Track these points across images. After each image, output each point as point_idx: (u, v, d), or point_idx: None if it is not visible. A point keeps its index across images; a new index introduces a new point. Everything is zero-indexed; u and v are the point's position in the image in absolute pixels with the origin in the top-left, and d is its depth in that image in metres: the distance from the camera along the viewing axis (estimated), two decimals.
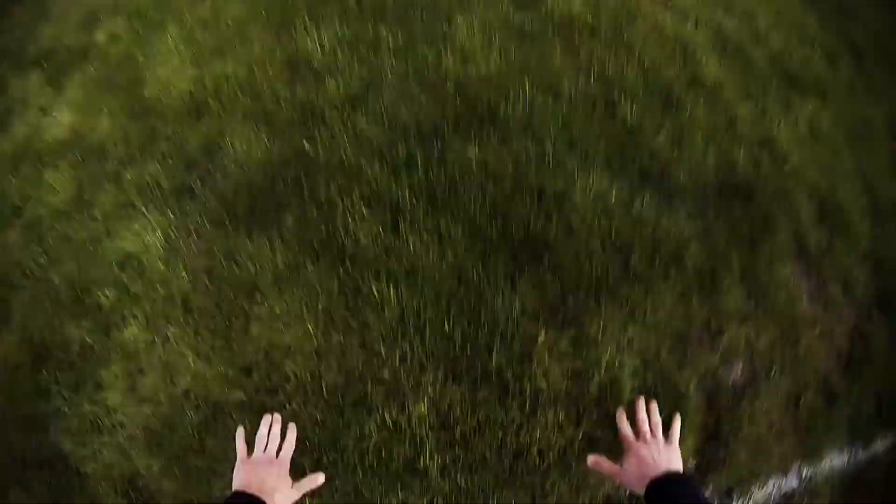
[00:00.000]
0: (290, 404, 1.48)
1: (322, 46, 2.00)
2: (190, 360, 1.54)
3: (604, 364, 1.51)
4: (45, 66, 2.52)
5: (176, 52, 2.18)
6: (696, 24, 2.29)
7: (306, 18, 2.13)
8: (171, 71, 2.12)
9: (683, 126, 1.89)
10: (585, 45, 2.04)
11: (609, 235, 1.62)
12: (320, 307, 1.54)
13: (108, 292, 1.68)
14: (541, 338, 1.49)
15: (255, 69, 2.00)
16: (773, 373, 1.69)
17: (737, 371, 1.66)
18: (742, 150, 1.93)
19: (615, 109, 1.87)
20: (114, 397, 1.57)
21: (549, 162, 1.71)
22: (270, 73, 1.97)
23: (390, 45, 1.97)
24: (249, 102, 1.92)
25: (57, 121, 2.22)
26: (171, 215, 1.74)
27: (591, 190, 1.67)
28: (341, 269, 1.57)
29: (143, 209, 1.78)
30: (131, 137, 2.01)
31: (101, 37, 2.53)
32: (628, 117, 1.86)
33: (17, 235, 1.95)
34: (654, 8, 2.31)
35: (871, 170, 2.26)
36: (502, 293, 1.52)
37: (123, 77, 2.23)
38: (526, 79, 1.88)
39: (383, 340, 1.50)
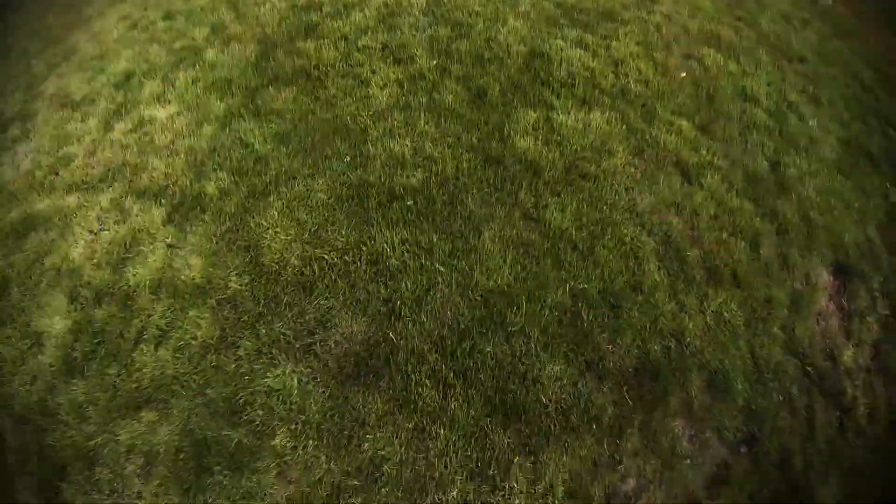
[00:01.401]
0: None
1: (394, 247, 3.14)
2: (322, 460, 2.76)
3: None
4: (164, 203, 3.61)
5: (282, 227, 3.30)
6: (650, 231, 3.32)
7: (380, 218, 3.25)
8: (281, 245, 3.22)
9: (621, 327, 3.01)
10: (567, 260, 3.12)
11: (560, 405, 2.81)
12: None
13: (259, 411, 2.85)
14: None
15: (347, 259, 3.15)
16: (651, 490, 2.90)
17: (630, 485, 2.89)
18: (658, 342, 3.04)
19: (578, 316, 2.99)
20: (265, 479, 2.83)
21: (531, 355, 2.88)
22: (359, 265, 3.12)
23: (441, 255, 3.10)
24: (347, 288, 3.09)
25: (188, 263, 3.26)
26: (301, 367, 2.96)
27: (554, 377, 2.85)
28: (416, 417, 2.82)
29: (280, 358, 2.99)
30: (258, 296, 3.12)
31: (210, 189, 3.60)
32: (585, 322, 2.98)
33: (167, 355, 2.99)
34: (622, 216, 3.34)
35: (762, 342, 3.31)
36: None
37: (242, 239, 3.36)
38: (525, 291, 3.01)
39: None
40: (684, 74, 4.17)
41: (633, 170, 3.49)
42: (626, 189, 3.41)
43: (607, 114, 3.71)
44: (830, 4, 6.13)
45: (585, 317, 3.00)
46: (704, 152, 3.76)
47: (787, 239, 3.69)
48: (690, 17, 4.81)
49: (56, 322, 3.32)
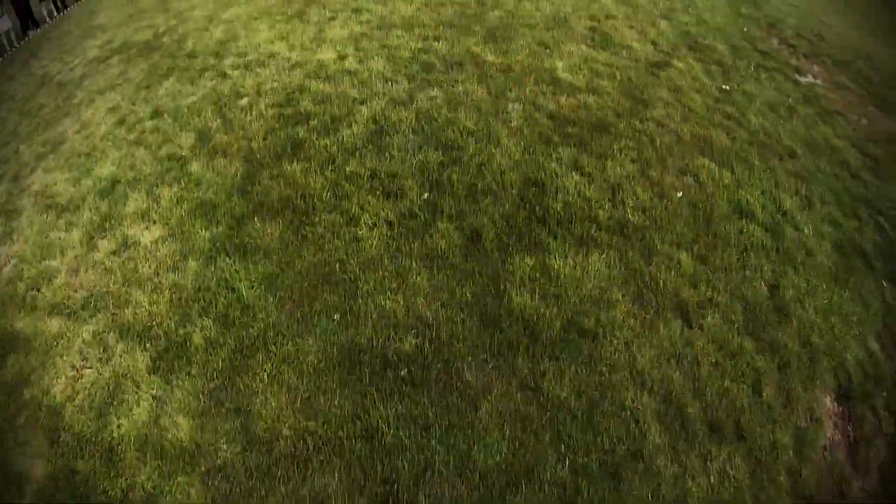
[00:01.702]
0: None
1: (389, 423, 3.05)
2: None
3: None
4: (149, 347, 3.47)
5: (272, 393, 3.17)
6: (651, 390, 3.25)
7: (374, 389, 3.15)
8: (272, 413, 3.10)
9: (622, 499, 2.93)
10: (566, 432, 3.05)
11: None
12: None
13: None
14: None
15: (341, 434, 3.05)
16: None
17: None
18: None
19: (578, 492, 2.92)
20: None
21: None
22: (353, 442, 3.02)
23: (438, 432, 3.01)
24: (342, 466, 2.98)
25: (175, 422, 3.14)
26: None
27: None
28: None
29: None
30: (250, 468, 2.98)
31: (197, 337, 3.46)
32: (585, 498, 2.91)
33: None
34: (621, 376, 3.26)
35: (767, 494, 3.25)
36: None
37: (231, 401, 3.23)
38: (523, 468, 2.93)
39: None
40: (681, 194, 4.12)
41: (632, 320, 3.42)
42: (625, 344, 3.34)
43: (606, 254, 3.64)
44: (811, 82, 6.12)
45: (585, 492, 2.93)
46: (704, 287, 3.70)
47: (789, 373, 3.63)
48: (682, 120, 4.76)
49: (37, 465, 3.20)
